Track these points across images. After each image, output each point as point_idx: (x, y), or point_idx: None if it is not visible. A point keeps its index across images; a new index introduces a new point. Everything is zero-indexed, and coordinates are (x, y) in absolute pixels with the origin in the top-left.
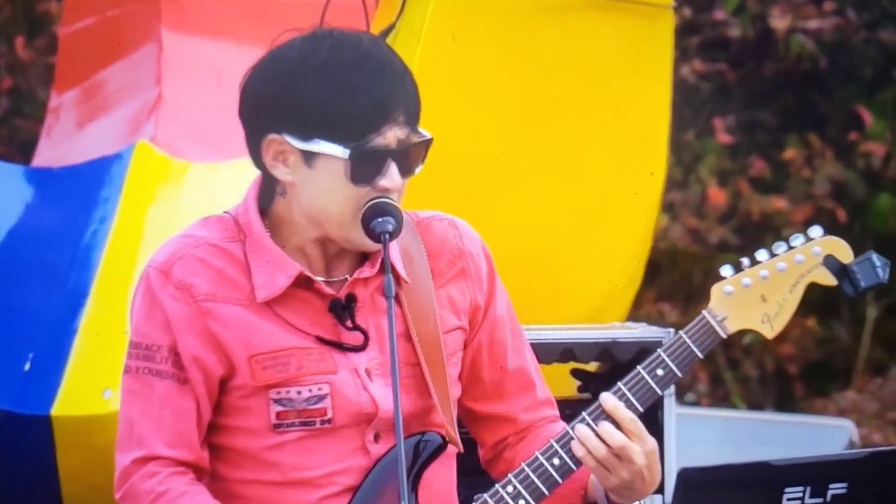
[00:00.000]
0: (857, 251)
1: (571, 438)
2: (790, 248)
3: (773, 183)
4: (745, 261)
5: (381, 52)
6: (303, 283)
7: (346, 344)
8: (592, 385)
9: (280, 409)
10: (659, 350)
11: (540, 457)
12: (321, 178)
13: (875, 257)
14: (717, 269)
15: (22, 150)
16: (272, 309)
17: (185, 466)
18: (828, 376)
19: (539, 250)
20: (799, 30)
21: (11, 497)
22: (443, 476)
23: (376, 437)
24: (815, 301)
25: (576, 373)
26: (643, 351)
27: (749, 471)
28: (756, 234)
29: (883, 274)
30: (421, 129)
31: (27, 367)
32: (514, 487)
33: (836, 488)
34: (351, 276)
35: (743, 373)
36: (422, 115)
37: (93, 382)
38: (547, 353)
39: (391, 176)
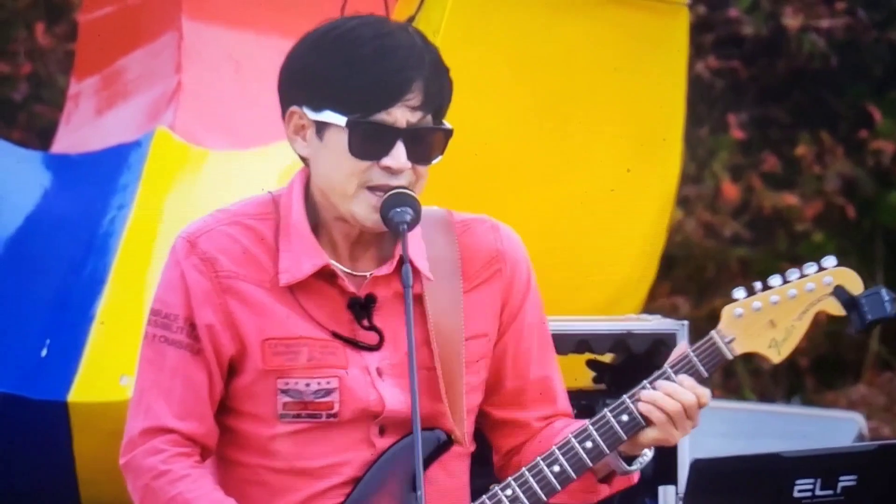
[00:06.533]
0: (866, 246)
1: (573, 447)
2: (803, 275)
3: (784, 178)
4: (758, 285)
5: (406, 37)
6: (327, 276)
7: (360, 342)
8: (607, 376)
9: (287, 399)
10: (666, 366)
11: (541, 462)
12: (329, 150)
13: (884, 291)
14: (730, 262)
15: (41, 136)
16: (294, 296)
17: (191, 445)
18: (838, 370)
19: (554, 243)
20: (811, 28)
21: (28, 483)
22: (452, 472)
23: (381, 431)
24: None
25: (591, 364)
26: (658, 342)
27: (760, 462)
28: (768, 228)
29: (890, 308)
30: (444, 122)
31: (44, 353)
32: (513, 491)
33: (846, 480)
34: (373, 271)
35: (754, 365)
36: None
37: (109, 369)
38: (563, 343)
39: (396, 156)
